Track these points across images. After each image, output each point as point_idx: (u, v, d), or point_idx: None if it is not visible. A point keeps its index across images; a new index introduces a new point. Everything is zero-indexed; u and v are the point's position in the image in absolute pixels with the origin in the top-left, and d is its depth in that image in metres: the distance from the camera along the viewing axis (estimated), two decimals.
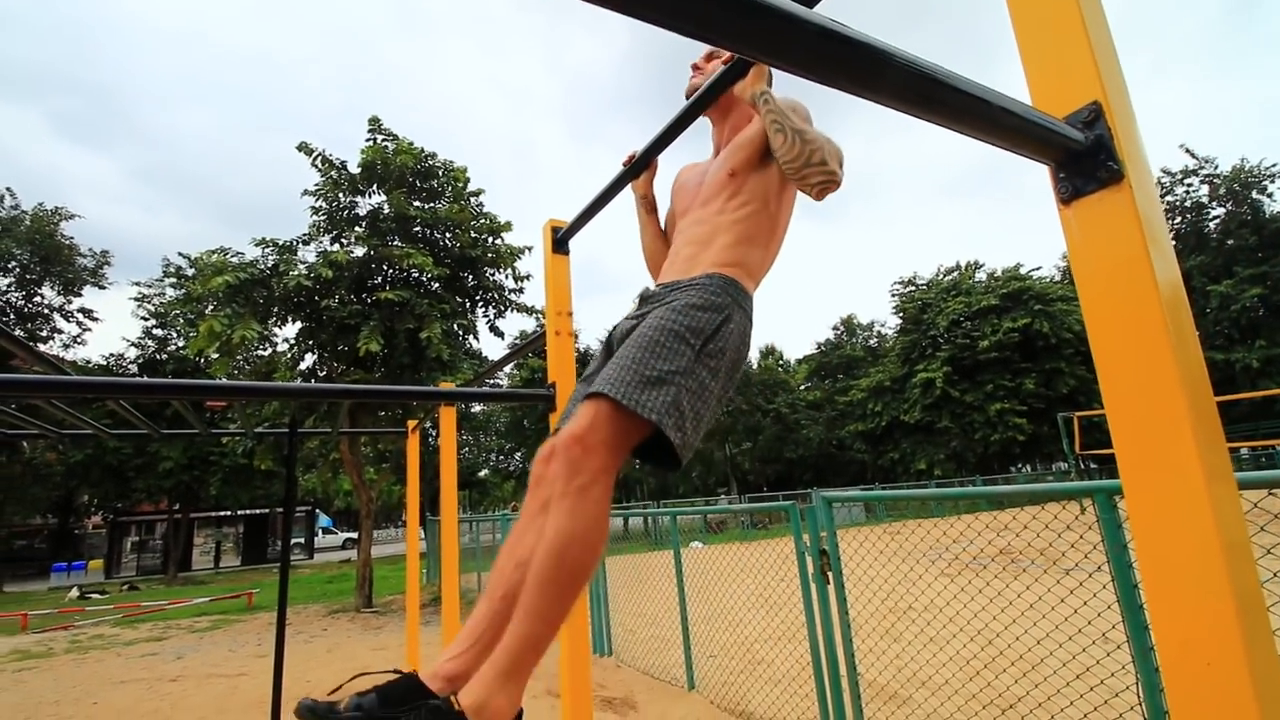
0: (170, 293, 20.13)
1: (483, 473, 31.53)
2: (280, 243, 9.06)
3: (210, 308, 9.00)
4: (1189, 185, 33.26)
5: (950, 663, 4.28)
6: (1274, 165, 31.21)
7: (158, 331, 20.48)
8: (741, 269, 1.38)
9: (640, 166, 1.83)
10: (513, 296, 10.51)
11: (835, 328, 37.68)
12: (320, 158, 9.41)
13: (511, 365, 22.53)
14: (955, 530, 5.99)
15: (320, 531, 33.18)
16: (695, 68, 1.72)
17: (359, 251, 9.37)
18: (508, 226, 10.06)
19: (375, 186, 9.65)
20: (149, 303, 20.29)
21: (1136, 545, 0.73)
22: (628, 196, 2.00)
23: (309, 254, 9.34)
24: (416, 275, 9.60)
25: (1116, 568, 2.12)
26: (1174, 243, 26.14)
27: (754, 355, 33.88)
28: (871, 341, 37.69)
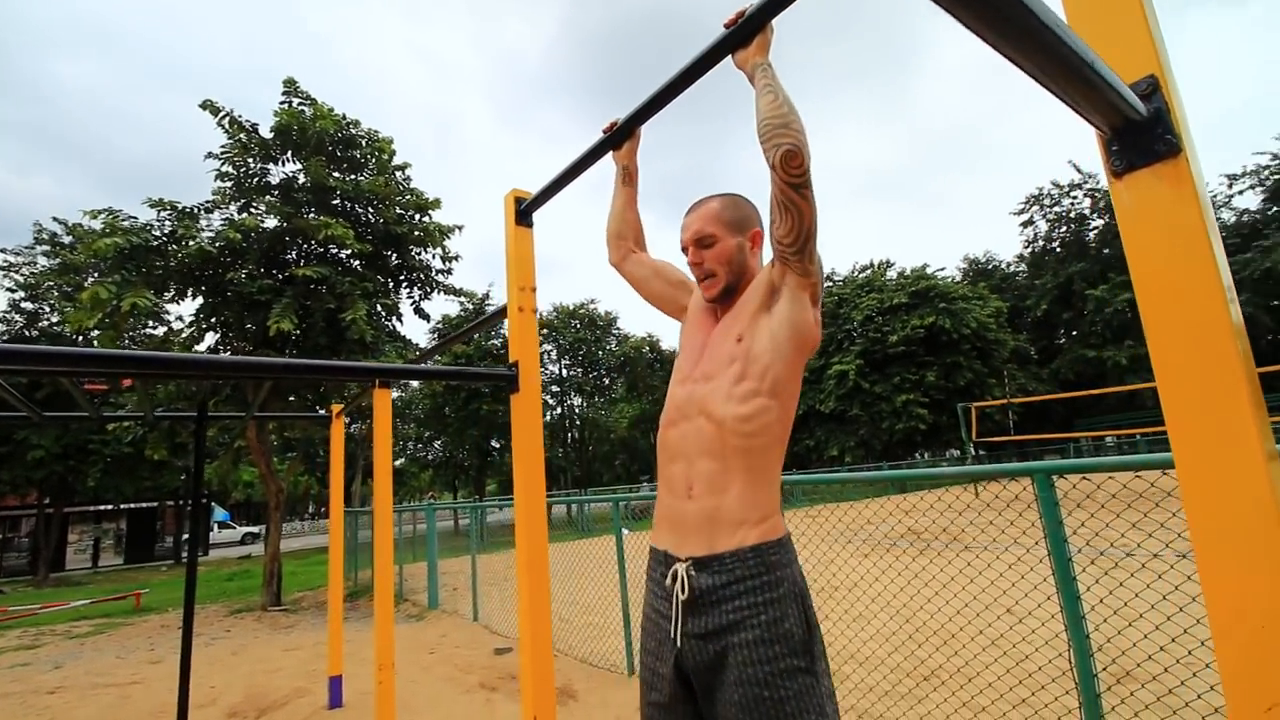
0: (43, 262, 18.01)
1: (399, 462, 30.36)
2: (180, 207, 8.24)
3: (93, 278, 8.09)
4: (1073, 197, 36.40)
5: (875, 637, 4.48)
6: None
7: (27, 305, 18.30)
8: (773, 516, 1.25)
9: (622, 136, 1.74)
10: (440, 278, 10.08)
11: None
12: (228, 118, 8.62)
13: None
14: (869, 513, 6.28)
15: (216, 526, 30.89)
16: (691, 253, 1.49)
17: (271, 223, 8.68)
18: (436, 204, 9.60)
19: (290, 154, 8.96)
20: (16, 272, 18.08)
21: (1189, 514, 0.74)
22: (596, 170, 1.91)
23: (213, 221, 8.57)
24: (336, 251, 9.01)
25: (1053, 543, 2.24)
26: (1058, 249, 28.30)
27: (677, 346, 34.15)
28: None
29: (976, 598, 4.84)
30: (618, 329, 31.90)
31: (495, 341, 25.50)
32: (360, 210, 9.27)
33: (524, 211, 2.20)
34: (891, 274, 32.19)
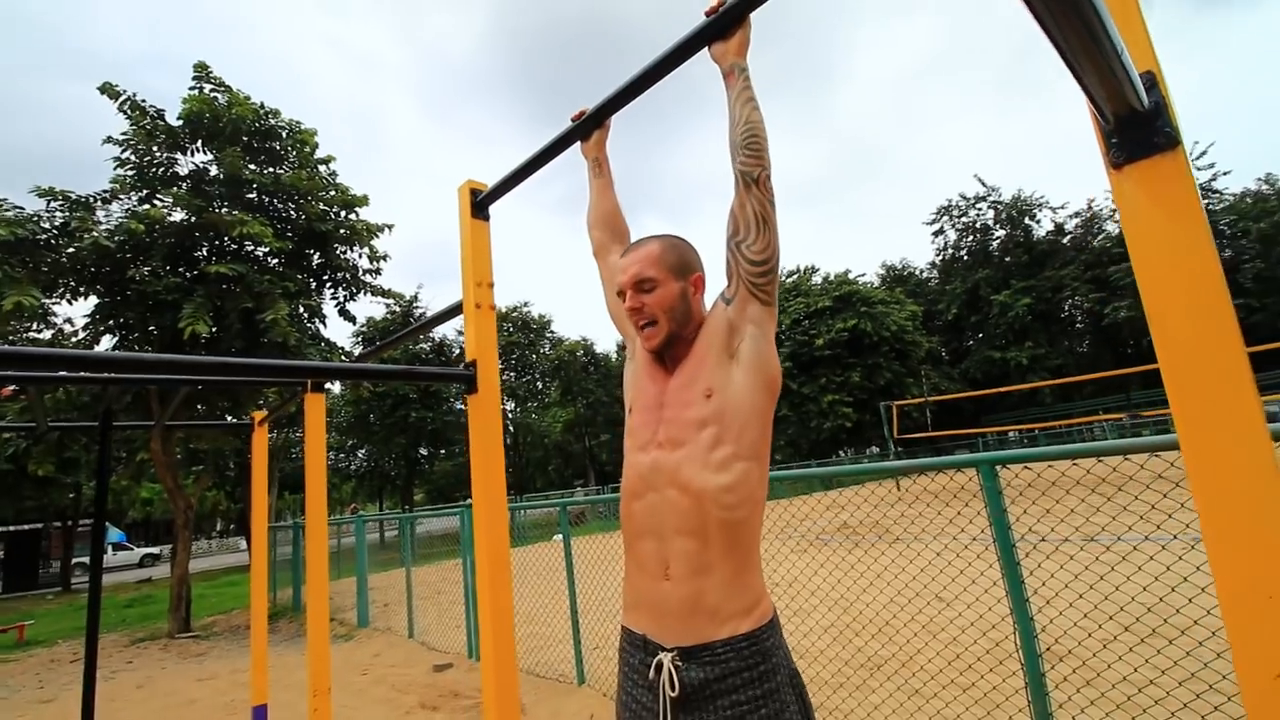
0: None
1: None
2: (73, 197, 7.48)
3: None
4: (979, 209, 38.99)
5: (816, 630, 4.59)
6: (1042, 196, 37.54)
7: None
8: (763, 597, 1.18)
9: (591, 126, 1.67)
10: (368, 278, 9.62)
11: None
12: (129, 103, 7.91)
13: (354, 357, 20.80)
14: (804, 509, 6.44)
15: (111, 548, 28.35)
16: (629, 298, 1.33)
17: (178, 216, 8.03)
18: (363, 200, 9.16)
19: (201, 143, 8.32)
20: None
21: (1196, 493, 0.76)
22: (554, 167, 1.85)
23: (112, 213, 7.84)
24: (253, 249, 8.43)
25: (997, 530, 2.34)
26: (965, 257, 29.97)
27: (612, 349, 34.31)
28: None
29: (908, 586, 5.05)
30: (552, 332, 31.58)
31: (424, 345, 24.68)
32: (280, 205, 8.72)
33: (480, 204, 2.10)
34: (817, 279, 33.39)
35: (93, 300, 7.88)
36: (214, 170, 8.50)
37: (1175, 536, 2.64)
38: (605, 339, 35.54)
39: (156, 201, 8.00)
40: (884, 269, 43.10)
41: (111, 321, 7.84)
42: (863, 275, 33.64)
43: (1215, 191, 32.52)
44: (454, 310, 2.26)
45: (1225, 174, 32.60)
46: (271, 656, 6.44)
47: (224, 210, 8.09)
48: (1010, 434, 32.03)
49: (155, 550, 29.94)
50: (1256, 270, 29.26)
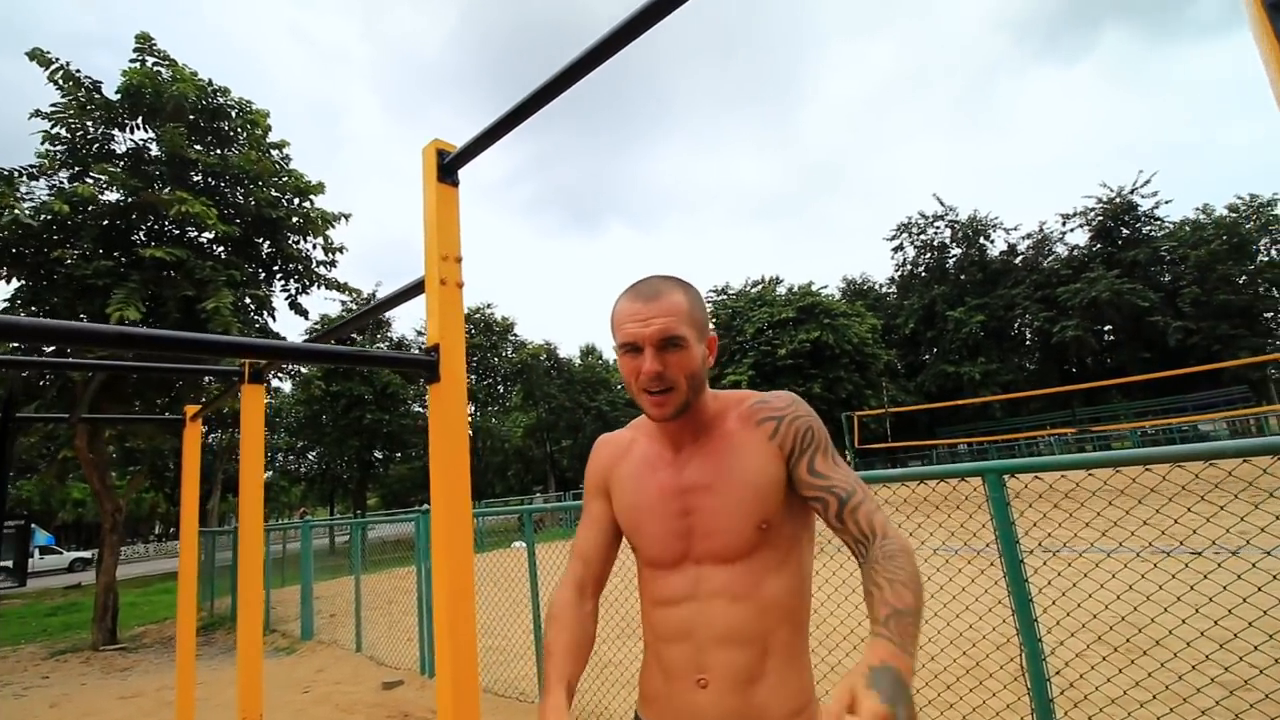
0: None
1: (266, 475, 27.70)
2: None
3: None
4: (937, 228, 40.14)
5: None
6: (996, 217, 38.81)
7: None
8: (812, 702, 1.04)
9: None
10: (322, 270, 9.14)
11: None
12: (61, 72, 7.31)
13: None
14: None
15: (37, 551, 26.56)
16: (649, 357, 1.05)
17: (113, 196, 7.45)
18: (319, 188, 8.68)
19: (141, 120, 7.76)
20: None
21: None
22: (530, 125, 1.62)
23: (36, 190, 7.23)
24: (195, 234, 7.89)
25: (1005, 543, 2.19)
26: (923, 273, 30.92)
27: (575, 354, 33.96)
28: None
29: None
30: (515, 335, 31.08)
31: (380, 346, 23.92)
32: (227, 189, 8.20)
33: (448, 167, 1.85)
34: (781, 290, 33.71)
35: (14, 283, 7.25)
36: (154, 149, 7.95)
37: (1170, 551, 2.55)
38: (569, 343, 35.14)
39: (88, 179, 7.41)
40: (845, 282, 43.95)
41: (34, 307, 7.21)
42: (825, 288, 34.10)
43: (1157, 219, 34.13)
44: (415, 288, 1.99)
45: (1167, 203, 34.26)
46: (205, 671, 5.95)
47: (164, 191, 7.55)
48: (960, 446, 32.85)
49: (86, 554, 28.19)
50: (1193, 295, 30.74)
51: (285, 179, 8.56)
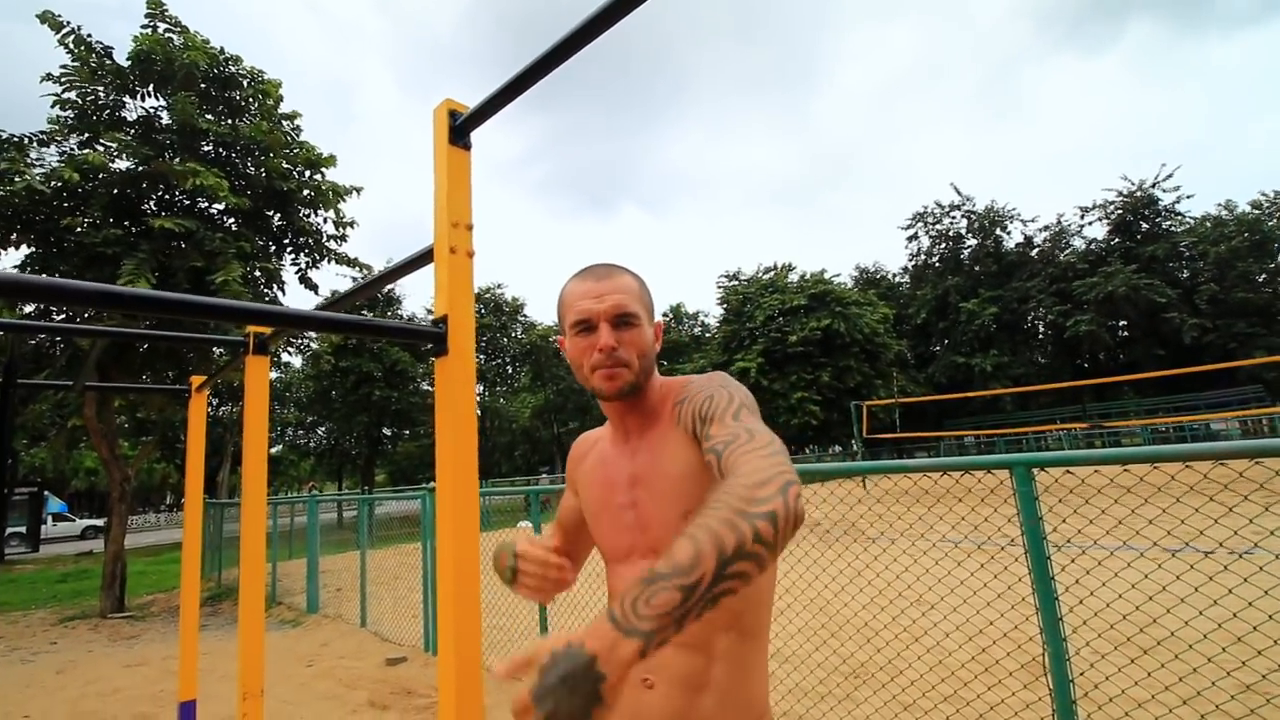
0: None
1: (276, 449, 27.94)
2: (3, 136, 6.81)
3: None
4: (953, 217, 39.53)
5: (799, 634, 4.36)
6: (1014, 209, 38.21)
7: None
8: (766, 713, 1.01)
9: None
10: (332, 244, 9.07)
11: (664, 314, 39.08)
12: (72, 36, 7.22)
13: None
14: None
15: (50, 519, 27.00)
16: (603, 332, 1.04)
17: (123, 164, 7.40)
18: (330, 161, 8.59)
19: (152, 87, 7.67)
20: None
21: None
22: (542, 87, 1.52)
23: (47, 156, 7.18)
24: (206, 205, 7.83)
25: (1031, 539, 2.11)
26: (937, 263, 30.48)
27: None
28: (696, 330, 39.68)
29: (890, 586, 4.86)
30: (524, 316, 31.05)
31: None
32: (238, 160, 8.12)
33: (460, 128, 1.75)
34: (793, 277, 33.43)
35: (24, 250, 7.23)
36: (165, 117, 7.87)
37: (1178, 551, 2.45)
38: None
39: (98, 146, 7.36)
40: (858, 271, 43.51)
41: (44, 274, 7.21)
42: (838, 276, 33.78)
43: (1177, 214, 33.47)
44: (424, 257, 1.91)
45: (1189, 198, 33.57)
46: (210, 642, 5.99)
47: (175, 161, 7.48)
48: (967, 439, 32.68)
49: (98, 522, 28.64)
50: (1211, 292, 30.21)
51: (296, 151, 8.47)
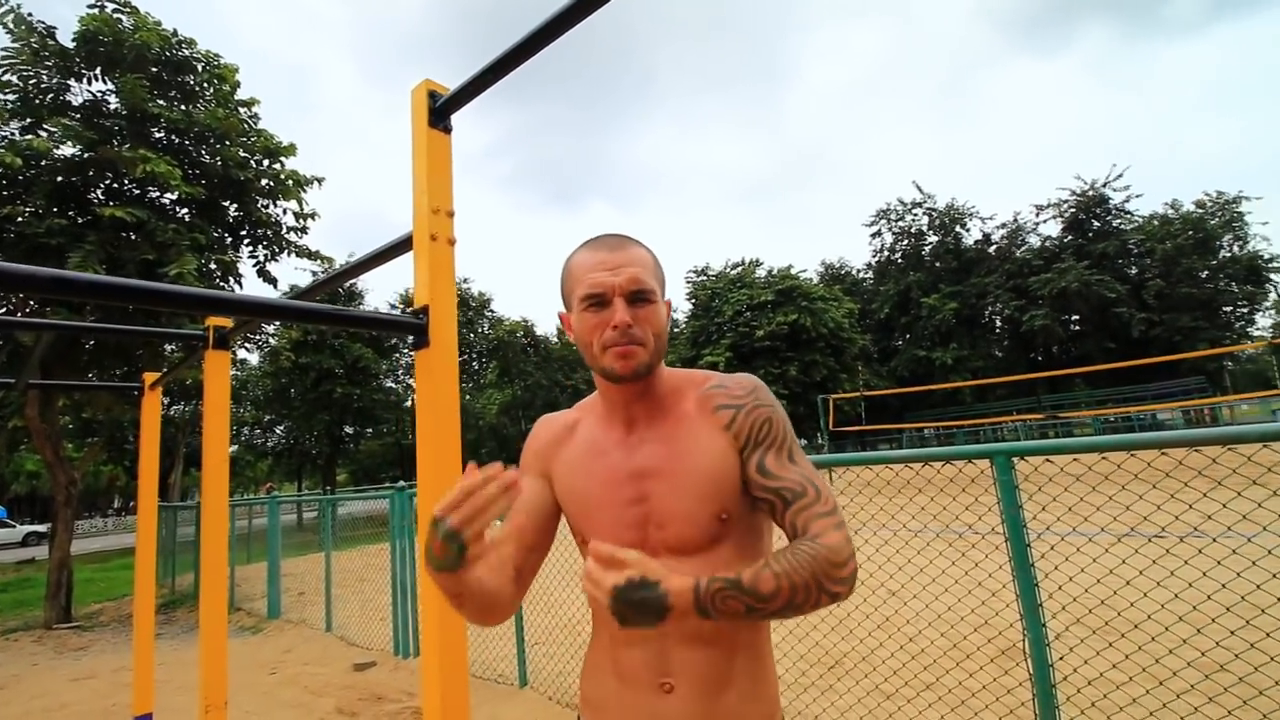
0: None
1: (232, 449, 27.06)
2: None
3: None
4: (915, 215, 40.41)
5: (776, 627, 4.37)
6: (973, 206, 39.20)
7: None
8: (777, 709, 0.99)
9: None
10: (292, 237, 8.76)
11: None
12: (11, 15, 6.79)
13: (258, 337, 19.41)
14: None
15: None
16: (619, 309, 0.94)
17: (67, 150, 7.00)
18: (290, 150, 8.27)
19: (99, 70, 7.27)
20: None
21: None
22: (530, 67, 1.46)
23: None
24: (158, 195, 7.47)
25: (1011, 528, 2.13)
26: (900, 260, 31.18)
27: (552, 332, 33.63)
28: None
29: (859, 581, 4.91)
30: (491, 311, 30.66)
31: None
32: (192, 147, 7.76)
33: (440, 111, 1.67)
34: (760, 272, 33.70)
35: None
36: (114, 102, 7.48)
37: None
38: (546, 321, 34.83)
39: (42, 132, 6.95)
40: (824, 266, 44.13)
41: None
42: (804, 271, 34.17)
43: (1127, 213, 34.78)
44: (402, 245, 1.82)
45: (1138, 197, 34.92)
46: (165, 652, 5.75)
47: (125, 147, 7.12)
48: (927, 431, 33.49)
49: (41, 528, 27.31)
50: (1158, 288, 31.51)
51: (254, 139, 8.14)
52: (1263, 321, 35.60)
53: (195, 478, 33.26)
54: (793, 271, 33.12)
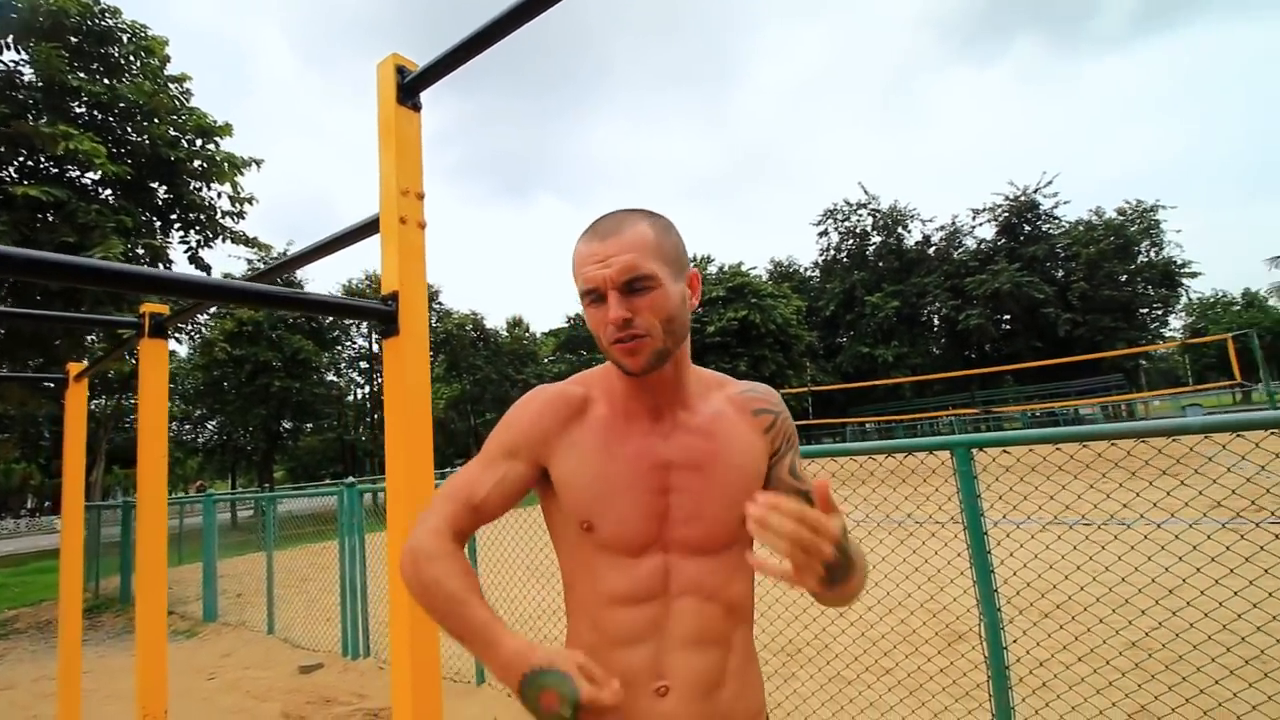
0: None
1: None
2: None
3: None
4: (860, 215, 41.63)
5: None
6: (914, 208, 40.70)
7: None
8: (763, 707, 1.01)
9: None
10: (228, 221, 8.31)
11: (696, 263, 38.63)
12: None
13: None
14: None
15: None
16: (613, 302, 0.88)
17: None
18: (226, 130, 7.82)
19: (11, 39, 6.70)
20: None
21: None
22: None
23: None
24: (79, 173, 6.95)
25: (969, 516, 2.21)
26: (845, 259, 32.15)
27: (502, 325, 33.14)
28: None
29: None
30: (439, 304, 29.96)
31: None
32: (117, 124, 7.26)
33: (408, 87, 1.60)
34: (712, 269, 34.07)
35: None
36: (28, 73, 6.92)
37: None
38: (496, 314, 34.26)
39: None
40: (773, 264, 44.95)
41: None
42: (754, 269, 34.76)
43: (1055, 218, 36.73)
44: (368, 228, 1.74)
45: (1065, 203, 36.93)
46: (91, 659, 5.38)
47: (41, 122, 6.60)
48: (868, 425, 34.65)
49: None
50: (1082, 290, 33.42)
51: (185, 117, 7.67)
52: (1175, 323, 38.35)
53: (118, 476, 31.32)
54: (743, 268, 33.63)
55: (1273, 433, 1.77)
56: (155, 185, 7.72)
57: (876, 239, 41.33)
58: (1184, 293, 35.02)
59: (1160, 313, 35.25)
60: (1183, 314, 38.99)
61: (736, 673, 0.93)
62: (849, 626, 3.56)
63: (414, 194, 1.58)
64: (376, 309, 1.51)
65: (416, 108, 1.61)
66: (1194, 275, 33.72)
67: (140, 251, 7.38)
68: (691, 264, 1.00)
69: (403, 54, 1.59)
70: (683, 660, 0.89)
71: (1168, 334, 36.49)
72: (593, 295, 0.90)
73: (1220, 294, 51.26)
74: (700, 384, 1.02)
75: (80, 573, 3.59)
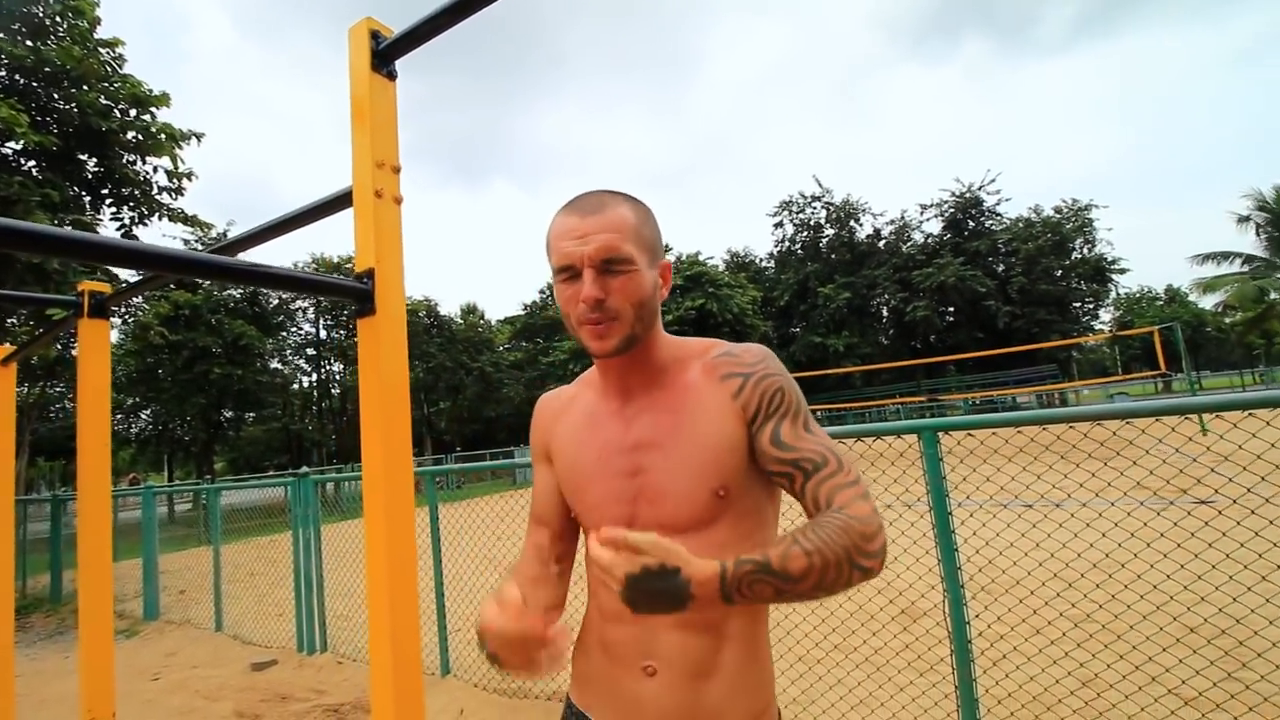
0: None
1: None
2: None
3: None
4: (814, 208, 42.38)
5: None
6: (866, 202, 41.61)
7: None
8: (773, 700, 0.95)
9: None
10: (164, 198, 7.84)
11: (541, 290, 38.38)
12: None
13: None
14: None
15: None
16: (589, 280, 0.88)
17: None
18: (163, 100, 7.35)
19: None
20: None
21: None
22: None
23: None
24: None
25: (935, 497, 2.27)
26: (799, 250, 32.70)
27: (456, 312, 32.53)
28: None
29: None
30: None
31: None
32: (41, 90, 6.74)
33: (383, 54, 1.52)
34: (670, 257, 34.06)
35: None
36: None
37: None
38: (450, 301, 33.55)
39: None
40: (729, 254, 45.39)
41: None
42: (711, 258, 35.01)
43: (997, 215, 38.20)
44: (340, 201, 1.66)
45: (1007, 200, 38.42)
46: (22, 662, 5.06)
47: None
48: (819, 413, 35.46)
49: None
50: (1020, 284, 34.93)
51: (118, 85, 7.18)
52: (1105, 316, 40.49)
53: (42, 468, 29.54)
54: (700, 258, 33.84)
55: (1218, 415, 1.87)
56: (84, 157, 7.23)
57: (830, 231, 42.15)
58: (1113, 288, 37.02)
59: (1092, 307, 37.18)
60: (1111, 308, 41.20)
61: (733, 666, 0.89)
62: (810, 614, 3.65)
63: (389, 167, 1.50)
64: (352, 287, 1.43)
65: (392, 76, 1.53)
66: (1123, 271, 35.69)
67: (68, 228, 6.90)
68: (664, 256, 1.01)
69: (372, 18, 1.51)
70: (671, 641, 0.89)
71: (1098, 327, 38.51)
72: (568, 272, 0.89)
73: (1146, 290, 54.45)
74: (678, 357, 0.99)
75: (11, 571, 3.36)
